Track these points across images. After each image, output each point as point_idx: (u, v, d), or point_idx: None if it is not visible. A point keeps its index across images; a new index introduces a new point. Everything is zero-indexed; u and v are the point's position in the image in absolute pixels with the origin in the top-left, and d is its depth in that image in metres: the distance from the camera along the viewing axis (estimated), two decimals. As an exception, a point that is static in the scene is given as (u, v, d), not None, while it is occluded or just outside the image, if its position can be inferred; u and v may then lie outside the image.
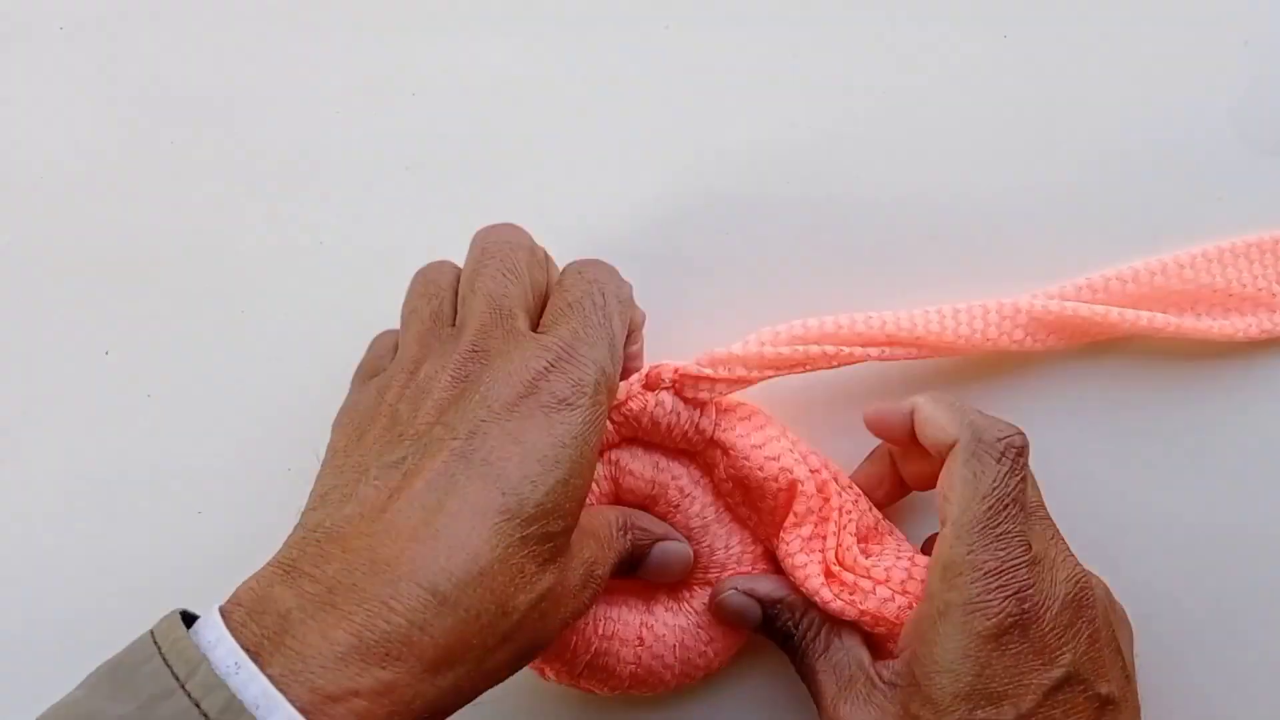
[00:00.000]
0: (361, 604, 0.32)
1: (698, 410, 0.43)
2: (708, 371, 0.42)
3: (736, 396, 0.45)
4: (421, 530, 0.33)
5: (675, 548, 0.43)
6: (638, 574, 0.42)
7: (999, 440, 0.40)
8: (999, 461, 0.39)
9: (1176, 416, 0.48)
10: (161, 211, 0.49)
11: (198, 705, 0.29)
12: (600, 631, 0.42)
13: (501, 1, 0.50)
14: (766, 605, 0.43)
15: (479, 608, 0.33)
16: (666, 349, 0.47)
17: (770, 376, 0.44)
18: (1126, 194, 0.48)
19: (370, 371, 0.41)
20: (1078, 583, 0.40)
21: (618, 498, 0.44)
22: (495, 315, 0.37)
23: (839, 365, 0.44)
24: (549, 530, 0.34)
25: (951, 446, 0.40)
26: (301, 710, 0.30)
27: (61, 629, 0.48)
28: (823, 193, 0.49)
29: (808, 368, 0.44)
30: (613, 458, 0.43)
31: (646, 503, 0.44)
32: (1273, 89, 0.49)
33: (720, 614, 0.43)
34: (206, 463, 0.48)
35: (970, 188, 0.49)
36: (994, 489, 0.39)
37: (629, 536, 0.41)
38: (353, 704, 0.30)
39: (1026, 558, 0.39)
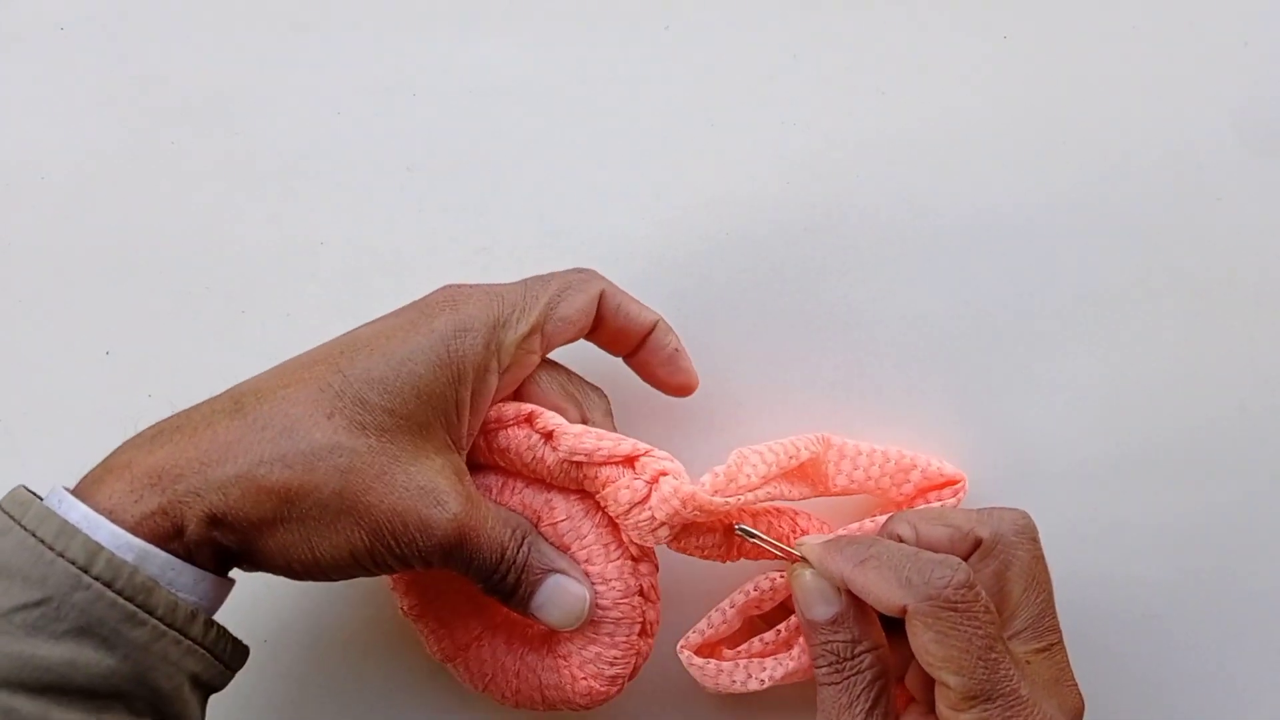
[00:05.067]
0: (187, 414, 0.38)
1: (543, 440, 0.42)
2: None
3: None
4: (273, 370, 0.39)
5: (573, 586, 0.41)
6: (529, 610, 0.41)
7: (945, 588, 0.37)
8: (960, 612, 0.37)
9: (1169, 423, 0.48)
10: (161, 211, 0.49)
11: (34, 534, 0.34)
12: (442, 615, 0.43)
13: (501, 2, 0.50)
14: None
15: (267, 419, 0.37)
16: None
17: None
18: (1126, 194, 0.48)
19: None
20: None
21: None
22: None
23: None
24: (366, 396, 0.38)
25: (902, 609, 0.37)
26: (103, 510, 0.35)
27: (62, 629, 0.48)
28: (820, 192, 0.49)
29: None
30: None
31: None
32: (1273, 90, 0.49)
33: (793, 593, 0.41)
34: (206, 463, 0.48)
35: (970, 188, 0.49)
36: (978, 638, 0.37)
37: (524, 552, 0.40)
38: (127, 478, 0.36)
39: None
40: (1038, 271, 0.48)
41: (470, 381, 0.39)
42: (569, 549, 0.42)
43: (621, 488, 0.40)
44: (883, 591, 0.38)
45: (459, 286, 0.41)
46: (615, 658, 0.41)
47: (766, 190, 0.49)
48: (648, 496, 0.40)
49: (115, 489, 0.36)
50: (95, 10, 0.50)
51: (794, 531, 0.44)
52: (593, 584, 0.41)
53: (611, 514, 0.41)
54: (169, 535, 0.36)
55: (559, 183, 0.49)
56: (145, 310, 0.49)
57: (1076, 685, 0.39)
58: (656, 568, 0.43)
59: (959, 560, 0.38)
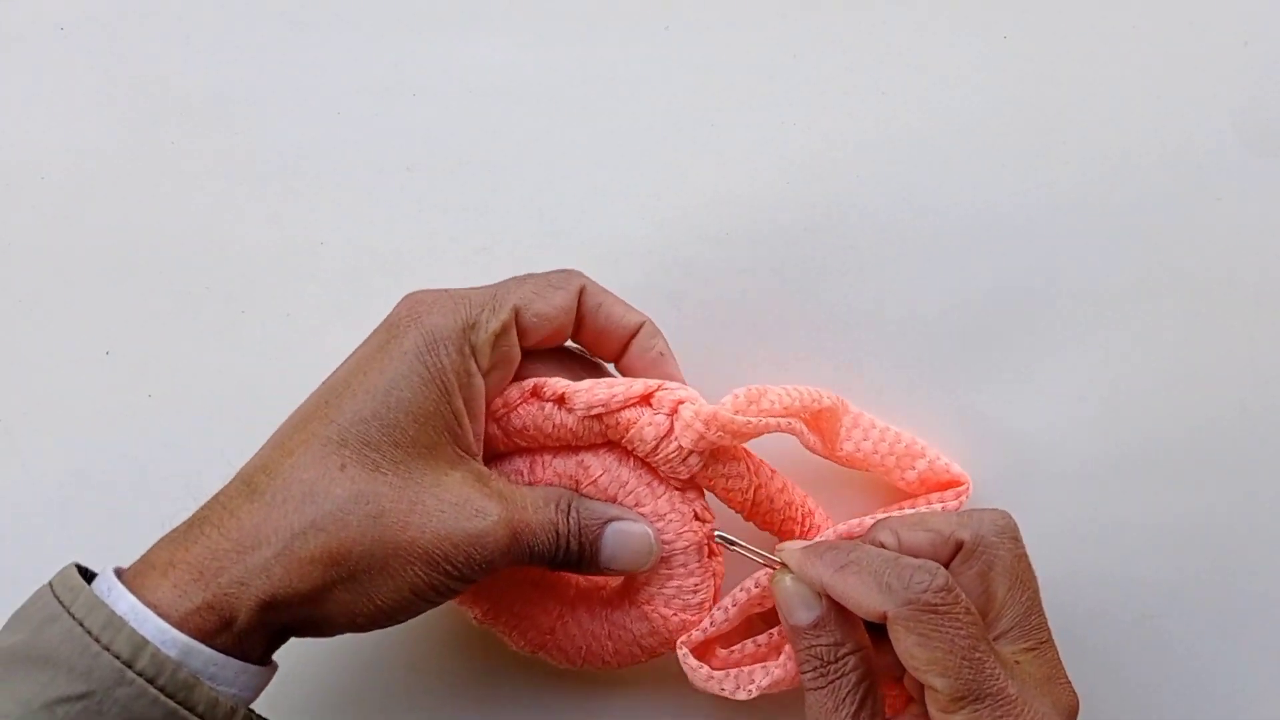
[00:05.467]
0: (209, 505, 0.38)
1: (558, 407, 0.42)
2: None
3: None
4: (271, 443, 0.39)
5: (633, 527, 0.41)
6: (601, 567, 0.41)
7: (924, 593, 0.37)
8: (940, 614, 0.37)
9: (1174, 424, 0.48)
10: (161, 211, 0.49)
11: (81, 623, 0.34)
12: (516, 609, 0.43)
13: (501, 2, 0.50)
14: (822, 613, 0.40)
15: (285, 493, 0.37)
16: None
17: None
18: (1127, 194, 0.48)
19: None
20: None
21: None
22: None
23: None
24: (368, 437, 0.38)
25: (882, 615, 0.38)
26: (149, 604, 0.35)
27: (62, 629, 0.48)
28: (820, 192, 0.49)
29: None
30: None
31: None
32: (1273, 90, 0.49)
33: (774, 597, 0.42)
34: (206, 463, 0.48)
35: (970, 188, 0.49)
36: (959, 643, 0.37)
37: (574, 516, 0.40)
38: (172, 576, 0.36)
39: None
40: (1038, 271, 0.48)
41: (458, 391, 0.39)
42: (616, 499, 0.42)
43: (644, 426, 0.41)
44: (863, 598, 0.38)
45: (421, 296, 0.40)
46: (696, 585, 0.42)
47: (766, 190, 0.49)
48: (671, 428, 0.41)
49: (161, 585, 0.36)
50: (95, 10, 0.50)
51: (803, 505, 0.44)
52: (648, 515, 0.42)
53: (640, 454, 0.42)
54: (216, 630, 0.36)
55: (559, 183, 0.49)
56: (145, 310, 0.49)
57: (1070, 683, 0.39)
58: (702, 492, 0.43)
59: (937, 565, 0.38)
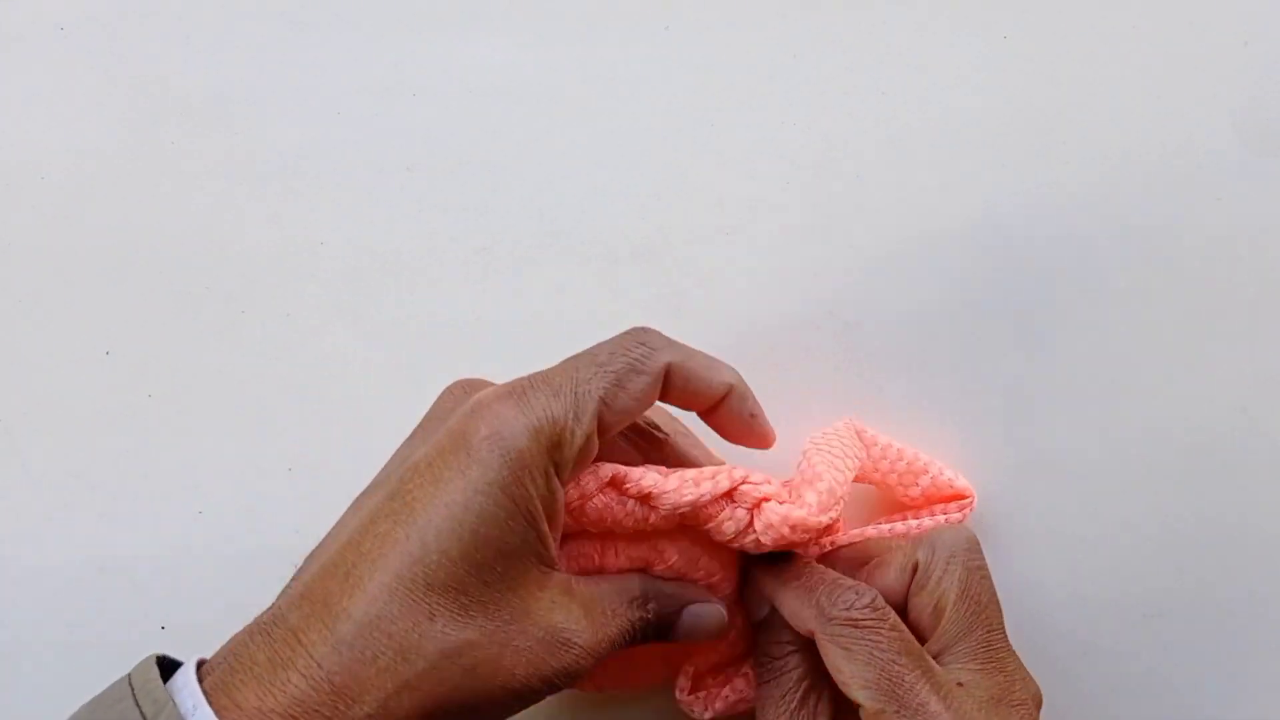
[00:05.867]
0: (285, 639, 0.35)
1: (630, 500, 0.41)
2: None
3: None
4: (341, 569, 0.35)
5: (707, 610, 0.41)
6: (670, 639, 0.41)
7: (848, 610, 0.38)
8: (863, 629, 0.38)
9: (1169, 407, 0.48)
10: (161, 211, 0.49)
11: None
12: None
13: (501, 2, 0.50)
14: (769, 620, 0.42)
15: (375, 649, 0.34)
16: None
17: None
18: (1127, 194, 0.48)
19: None
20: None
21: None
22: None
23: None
24: (455, 579, 0.35)
25: (810, 632, 0.39)
26: None
27: (62, 629, 0.48)
28: (821, 193, 0.49)
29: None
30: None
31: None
32: (1273, 90, 0.49)
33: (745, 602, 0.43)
34: (206, 463, 0.48)
35: (970, 188, 0.49)
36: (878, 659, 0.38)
37: (651, 607, 0.40)
38: None
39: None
40: (1038, 271, 0.48)
41: (543, 515, 0.37)
42: (687, 576, 0.41)
43: (725, 521, 0.40)
44: (796, 612, 0.39)
45: (498, 409, 0.37)
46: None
47: (766, 190, 0.49)
48: (751, 523, 0.40)
49: None
50: (95, 10, 0.50)
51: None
52: (718, 583, 0.42)
53: (716, 539, 0.41)
54: None
55: (559, 183, 0.49)
56: (145, 310, 0.49)
57: (1026, 705, 0.39)
58: None
59: (868, 587, 0.39)
